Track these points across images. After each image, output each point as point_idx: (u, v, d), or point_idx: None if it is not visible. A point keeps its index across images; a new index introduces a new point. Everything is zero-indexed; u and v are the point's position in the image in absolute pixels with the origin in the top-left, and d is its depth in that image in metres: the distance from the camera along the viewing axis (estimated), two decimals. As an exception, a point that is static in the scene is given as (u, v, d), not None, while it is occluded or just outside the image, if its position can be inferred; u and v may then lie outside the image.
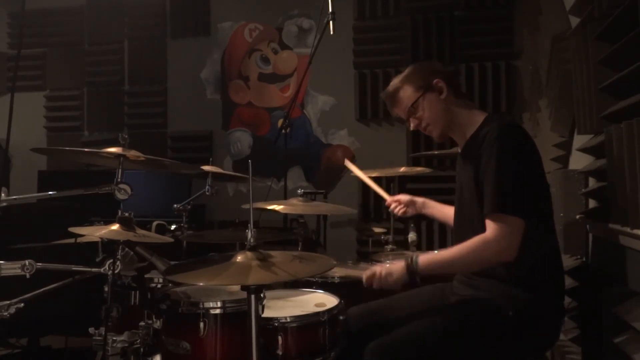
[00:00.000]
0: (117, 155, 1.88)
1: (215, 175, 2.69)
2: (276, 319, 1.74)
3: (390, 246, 2.83)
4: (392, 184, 3.31)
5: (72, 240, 2.26)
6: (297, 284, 2.18)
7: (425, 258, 1.69)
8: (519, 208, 1.58)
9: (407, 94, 1.85)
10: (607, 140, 1.87)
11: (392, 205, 2.30)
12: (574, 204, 2.32)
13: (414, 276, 1.68)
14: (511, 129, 1.70)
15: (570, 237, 2.32)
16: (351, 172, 2.62)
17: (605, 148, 1.91)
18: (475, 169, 1.69)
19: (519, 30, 3.89)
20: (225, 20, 4.73)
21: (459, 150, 1.90)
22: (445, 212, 2.15)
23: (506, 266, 1.63)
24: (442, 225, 4.02)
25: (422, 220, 3.96)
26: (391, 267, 1.74)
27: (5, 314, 1.72)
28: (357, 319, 1.89)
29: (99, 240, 2.05)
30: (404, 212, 2.26)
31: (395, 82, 1.88)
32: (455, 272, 1.84)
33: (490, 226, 1.60)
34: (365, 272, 1.78)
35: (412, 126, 1.89)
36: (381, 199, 2.43)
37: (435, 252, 1.72)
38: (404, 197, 2.27)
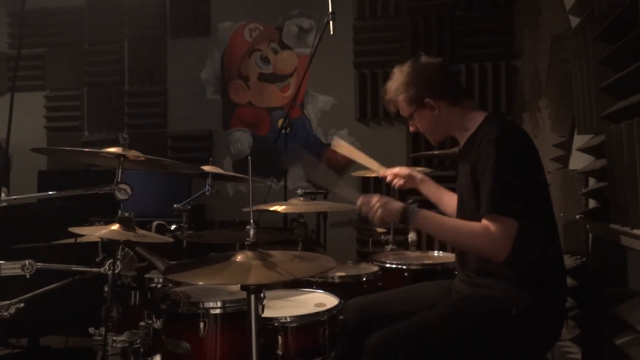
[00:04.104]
0: (117, 155, 1.88)
1: (215, 175, 2.69)
2: (276, 319, 1.74)
3: (390, 246, 2.83)
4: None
5: (72, 240, 2.26)
6: (297, 284, 2.18)
7: (425, 211, 1.70)
8: (515, 209, 1.59)
9: (402, 105, 1.88)
10: (607, 140, 1.87)
11: (389, 178, 2.27)
12: (574, 204, 2.31)
13: (406, 222, 1.68)
14: (509, 129, 1.71)
15: (570, 237, 2.31)
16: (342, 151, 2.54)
17: (605, 148, 1.91)
18: (473, 168, 1.70)
19: (519, 30, 3.89)
20: (225, 20, 4.73)
21: (458, 150, 1.91)
22: (440, 195, 2.16)
23: (509, 265, 1.63)
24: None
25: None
26: (389, 203, 1.73)
27: (5, 314, 1.72)
28: (356, 311, 1.89)
29: (99, 240, 2.05)
30: (401, 185, 2.25)
31: (391, 88, 1.89)
32: (444, 240, 1.85)
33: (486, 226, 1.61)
34: (364, 197, 1.77)
35: (411, 129, 1.93)
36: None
37: (437, 215, 1.72)
38: (403, 171, 2.25)
